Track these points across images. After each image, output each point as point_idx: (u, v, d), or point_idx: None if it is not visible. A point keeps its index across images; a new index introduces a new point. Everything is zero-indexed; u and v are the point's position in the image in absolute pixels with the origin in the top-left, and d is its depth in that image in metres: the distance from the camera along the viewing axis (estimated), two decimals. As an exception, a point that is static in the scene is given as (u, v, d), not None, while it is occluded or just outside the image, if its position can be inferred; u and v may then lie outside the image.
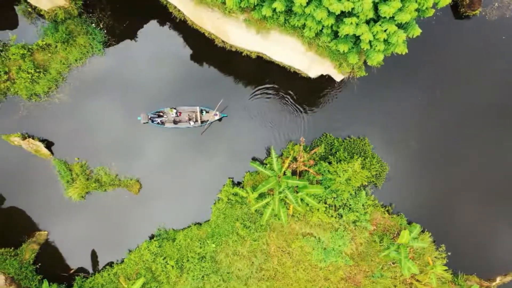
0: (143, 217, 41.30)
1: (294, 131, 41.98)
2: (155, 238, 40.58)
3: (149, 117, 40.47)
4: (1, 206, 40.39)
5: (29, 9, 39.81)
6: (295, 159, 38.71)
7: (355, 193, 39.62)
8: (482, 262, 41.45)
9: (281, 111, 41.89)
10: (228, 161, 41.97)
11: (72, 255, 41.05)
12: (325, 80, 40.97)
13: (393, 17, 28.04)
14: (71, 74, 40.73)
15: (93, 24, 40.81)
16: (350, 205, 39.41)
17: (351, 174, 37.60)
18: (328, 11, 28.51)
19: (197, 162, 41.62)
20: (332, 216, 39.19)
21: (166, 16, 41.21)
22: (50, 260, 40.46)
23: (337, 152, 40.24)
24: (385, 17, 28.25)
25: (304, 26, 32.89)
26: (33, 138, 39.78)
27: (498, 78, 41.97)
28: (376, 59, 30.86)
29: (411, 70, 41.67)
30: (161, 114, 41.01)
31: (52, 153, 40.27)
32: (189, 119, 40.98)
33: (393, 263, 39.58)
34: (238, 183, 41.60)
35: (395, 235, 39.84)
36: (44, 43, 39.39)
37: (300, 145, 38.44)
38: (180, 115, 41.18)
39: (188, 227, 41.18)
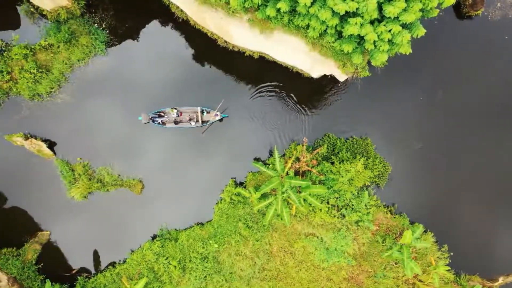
0: (145, 217, 41.27)
1: (296, 131, 41.98)
2: (157, 238, 40.56)
3: (150, 117, 40.43)
4: (3, 206, 40.32)
5: (32, 9, 39.73)
6: (297, 159, 38.70)
7: (358, 193, 39.63)
8: (485, 262, 41.50)
9: (283, 111, 41.88)
10: (230, 161, 41.96)
11: (74, 255, 41.03)
12: (328, 80, 41.01)
13: (397, 17, 28.04)
14: (73, 74, 40.66)
15: (96, 24, 40.78)
16: (352, 205, 39.43)
17: (354, 174, 37.59)
18: (333, 11, 28.51)
19: (199, 162, 41.59)
20: (334, 216, 39.21)
21: (169, 16, 41.13)
22: (52, 260, 40.41)
23: (340, 152, 40.24)
24: (389, 17, 28.23)
25: (308, 26, 32.86)
26: (35, 138, 39.72)
27: (500, 78, 41.98)
28: (381, 59, 30.87)
29: (413, 70, 41.65)
30: (162, 114, 40.97)
31: (54, 153, 40.20)
32: (190, 119, 40.95)
33: (396, 263, 39.57)
34: (241, 183, 41.58)
35: (397, 235, 39.85)
36: (46, 43, 39.29)
37: (302, 145, 38.46)
38: (181, 115, 41.14)
39: (191, 227, 41.18)
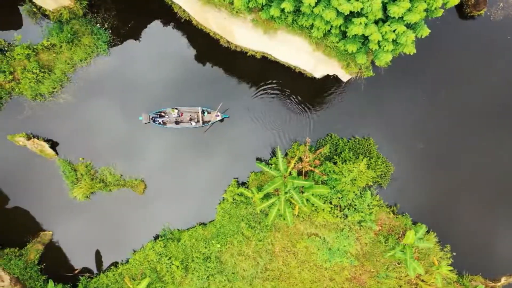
0: (147, 217, 41.24)
1: (298, 131, 41.95)
2: (160, 238, 40.51)
3: (151, 117, 40.41)
4: (5, 206, 40.27)
5: (34, 9, 39.70)
6: (300, 159, 38.68)
7: (360, 193, 39.62)
8: (487, 263, 41.52)
9: (285, 111, 41.88)
10: (233, 161, 41.96)
11: (77, 255, 40.98)
12: (330, 81, 41.02)
13: (402, 17, 28.06)
14: (75, 74, 40.64)
15: (98, 24, 40.75)
16: (355, 205, 39.42)
17: (356, 174, 37.58)
18: (337, 11, 28.50)
19: (201, 163, 41.58)
20: (337, 216, 39.19)
21: (171, 16, 41.15)
22: (54, 260, 40.39)
23: (342, 152, 40.24)
24: (394, 17, 28.24)
25: (312, 26, 32.85)
26: (38, 138, 39.69)
27: (502, 78, 42.01)
28: (385, 59, 30.88)
29: (415, 70, 41.68)
30: (163, 114, 40.95)
31: (56, 153, 40.18)
32: (191, 120, 40.94)
33: (398, 264, 39.57)
34: (243, 183, 41.56)
35: (400, 235, 39.84)
36: (49, 43, 39.28)
37: (305, 145, 38.45)
38: (181, 115, 41.12)
39: (193, 227, 41.15)
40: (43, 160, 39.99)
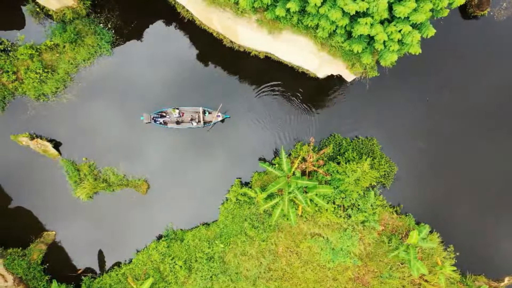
0: (151, 218, 41.27)
1: (302, 131, 41.94)
2: (163, 239, 40.50)
3: (152, 117, 40.38)
4: (8, 206, 40.26)
5: (37, 9, 39.65)
6: (304, 159, 38.68)
7: (364, 193, 39.58)
8: (491, 262, 41.54)
9: (288, 111, 41.88)
10: (235, 161, 41.96)
11: (80, 255, 41.06)
12: (334, 80, 41.04)
13: (407, 17, 28.03)
14: (79, 74, 40.65)
15: (101, 24, 40.72)
16: (358, 205, 39.42)
17: (360, 174, 37.57)
18: (343, 11, 28.48)
19: (204, 163, 41.57)
20: (340, 216, 39.21)
21: (174, 16, 41.15)
22: (57, 260, 40.48)
23: (346, 152, 40.23)
24: (399, 17, 28.23)
25: (317, 26, 32.83)
26: (41, 138, 39.67)
27: (506, 78, 41.99)
28: (390, 59, 30.85)
29: (419, 70, 41.64)
30: (164, 114, 40.92)
31: (60, 153, 40.17)
32: (192, 120, 40.92)
33: (402, 264, 39.58)
34: (246, 183, 41.53)
35: (403, 235, 39.85)
36: (52, 43, 39.27)
37: (309, 145, 38.44)
38: (182, 115, 41.10)
39: (196, 227, 41.14)
40: (46, 160, 39.97)
